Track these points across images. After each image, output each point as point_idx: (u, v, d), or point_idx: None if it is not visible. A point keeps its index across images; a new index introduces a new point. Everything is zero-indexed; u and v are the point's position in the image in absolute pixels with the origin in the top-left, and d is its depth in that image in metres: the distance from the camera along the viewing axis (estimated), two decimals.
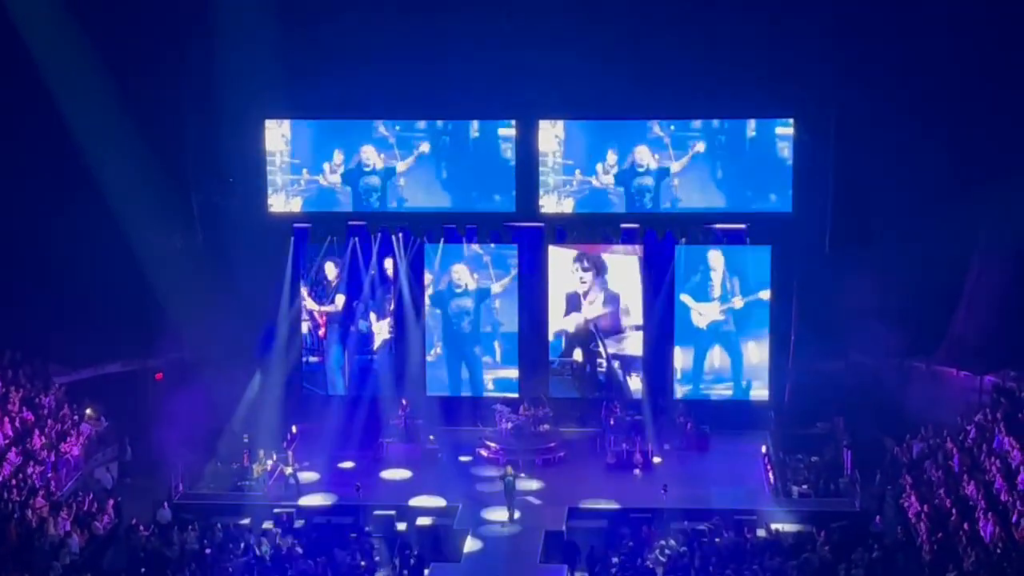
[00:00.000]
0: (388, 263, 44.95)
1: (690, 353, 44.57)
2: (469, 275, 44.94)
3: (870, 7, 39.45)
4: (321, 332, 45.48)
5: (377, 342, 45.56)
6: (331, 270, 45.11)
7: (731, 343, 44.35)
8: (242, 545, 35.68)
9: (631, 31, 41.01)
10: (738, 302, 44.03)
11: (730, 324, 44.28)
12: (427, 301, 45.11)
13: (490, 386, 45.23)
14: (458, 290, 45.01)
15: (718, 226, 43.33)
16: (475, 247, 44.72)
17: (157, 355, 44.84)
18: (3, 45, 39.34)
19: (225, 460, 41.46)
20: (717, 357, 44.50)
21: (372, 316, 45.35)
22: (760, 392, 44.30)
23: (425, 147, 43.27)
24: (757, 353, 44.23)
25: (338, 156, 43.47)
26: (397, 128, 43.48)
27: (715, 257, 43.99)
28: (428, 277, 45.03)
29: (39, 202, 41.14)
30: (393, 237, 44.47)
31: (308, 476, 41.04)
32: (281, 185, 43.58)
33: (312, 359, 45.66)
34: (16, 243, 41.52)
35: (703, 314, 44.29)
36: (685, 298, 44.31)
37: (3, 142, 40.81)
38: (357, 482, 39.62)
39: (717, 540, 35.80)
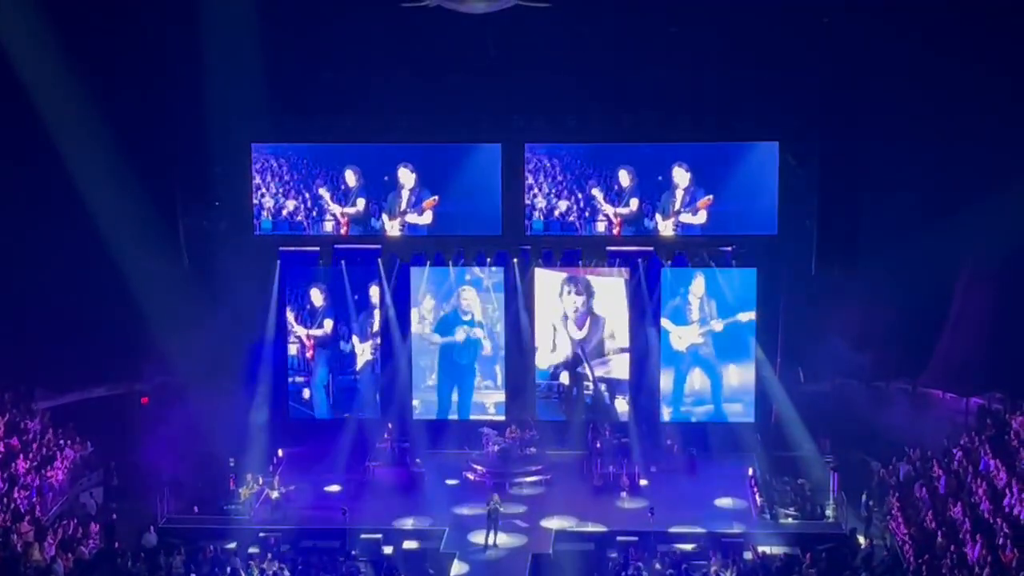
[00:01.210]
0: (373, 286, 45.01)
1: (670, 375, 44.67)
2: (477, 300, 45.05)
3: (856, 31, 39.54)
4: (309, 354, 45.51)
5: (360, 363, 45.62)
6: (317, 296, 45.18)
7: (710, 366, 44.44)
8: (228, 570, 35.60)
9: (617, 55, 41.10)
10: (717, 325, 44.13)
11: (708, 347, 44.37)
12: (428, 328, 45.22)
13: (491, 410, 45.26)
14: (465, 317, 45.11)
15: (704, 248, 43.46)
16: (477, 271, 44.79)
17: (143, 379, 44.85)
18: None
19: (211, 484, 41.36)
20: (697, 379, 44.62)
21: (355, 338, 45.40)
22: (740, 414, 44.36)
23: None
24: (737, 375, 44.32)
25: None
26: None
27: (696, 281, 44.11)
28: (431, 303, 45.09)
29: (24, 225, 41.05)
30: (379, 260, 44.58)
31: (294, 500, 40.95)
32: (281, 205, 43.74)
33: (299, 379, 45.69)
34: (1, 266, 41.42)
35: (682, 337, 44.37)
36: (665, 322, 44.41)
37: None
38: (343, 506, 39.51)
39: (706, 562, 35.80)
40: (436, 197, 43.04)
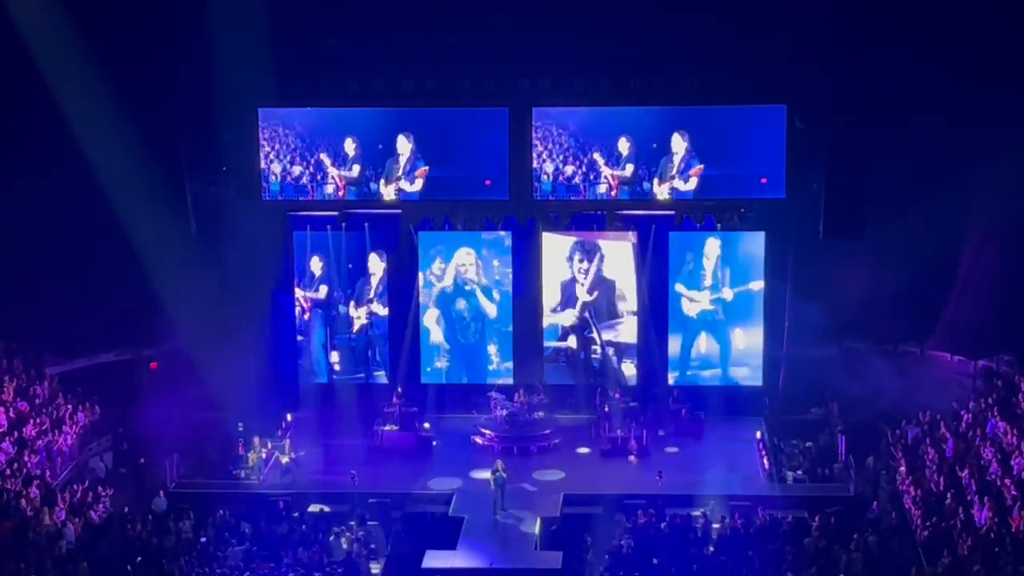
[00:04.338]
0: (372, 254, 45.25)
1: (678, 340, 44.71)
2: (476, 267, 45.14)
3: None
4: (306, 316, 45.73)
5: (356, 326, 45.76)
6: (316, 263, 45.29)
7: (719, 331, 44.48)
8: (237, 533, 35.81)
9: (622, 18, 40.91)
10: (728, 293, 44.10)
11: (720, 314, 44.37)
12: (430, 297, 45.38)
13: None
14: (467, 287, 45.20)
15: (712, 212, 43.34)
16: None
17: (151, 344, 44.91)
18: None
19: (220, 449, 41.51)
20: (704, 343, 44.65)
21: (352, 303, 45.60)
22: (747, 377, 44.42)
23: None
24: (744, 339, 44.33)
25: (350, 145, 43.26)
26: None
27: (710, 245, 44.04)
28: (438, 267, 45.22)
29: (32, 191, 40.99)
30: (388, 225, 44.62)
31: (303, 464, 41.08)
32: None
33: (299, 338, 45.88)
34: (9, 233, 41.46)
35: (694, 301, 44.35)
36: (679, 287, 44.38)
37: None
38: (352, 470, 39.64)
39: (715, 525, 35.90)
40: (426, 167, 42.80)
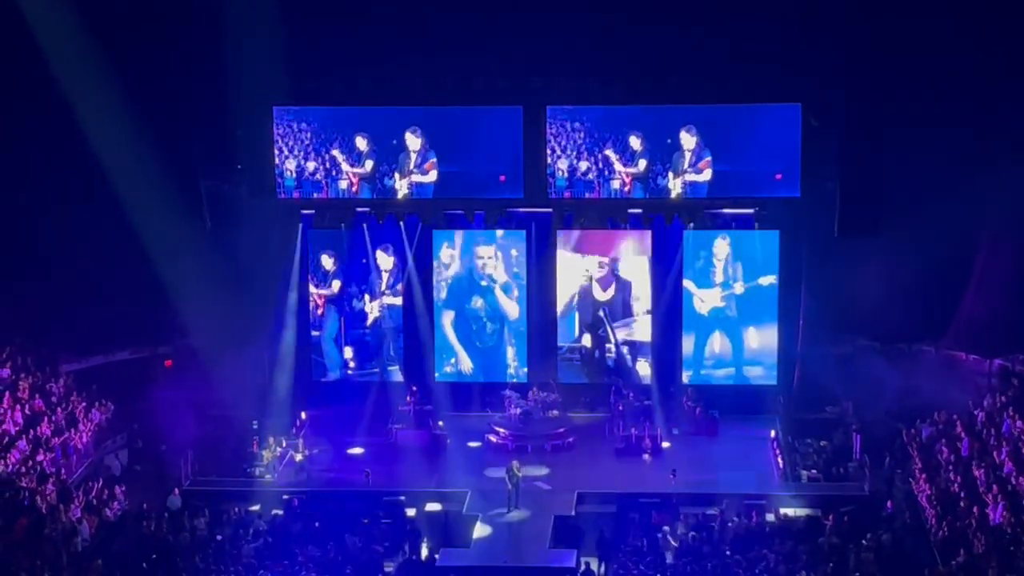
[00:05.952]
0: (380, 251, 45.22)
1: (691, 338, 44.61)
2: (495, 260, 45.07)
3: None
4: (320, 311, 45.69)
5: (370, 320, 45.74)
6: (327, 261, 45.28)
7: (732, 329, 44.36)
8: (252, 531, 35.84)
9: (637, 15, 40.87)
10: (739, 287, 43.98)
11: (732, 310, 44.25)
12: (443, 295, 45.33)
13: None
14: (484, 283, 45.10)
15: (726, 210, 43.24)
16: (500, 234, 44.79)
17: (166, 342, 45.00)
18: (8, 32, 39.34)
19: (235, 446, 41.55)
20: (717, 342, 44.52)
21: (366, 297, 45.57)
22: (761, 376, 44.35)
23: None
24: (757, 338, 44.23)
25: (361, 141, 43.26)
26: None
27: (720, 243, 43.95)
28: (447, 253, 45.17)
29: (47, 190, 41.21)
30: (400, 223, 44.59)
31: (317, 462, 41.12)
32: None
33: (314, 333, 45.84)
34: (24, 231, 41.58)
35: (704, 300, 44.27)
36: (688, 284, 44.30)
37: (10, 130, 40.91)
38: (366, 468, 39.66)
39: (730, 524, 35.88)
40: (434, 159, 42.79)
